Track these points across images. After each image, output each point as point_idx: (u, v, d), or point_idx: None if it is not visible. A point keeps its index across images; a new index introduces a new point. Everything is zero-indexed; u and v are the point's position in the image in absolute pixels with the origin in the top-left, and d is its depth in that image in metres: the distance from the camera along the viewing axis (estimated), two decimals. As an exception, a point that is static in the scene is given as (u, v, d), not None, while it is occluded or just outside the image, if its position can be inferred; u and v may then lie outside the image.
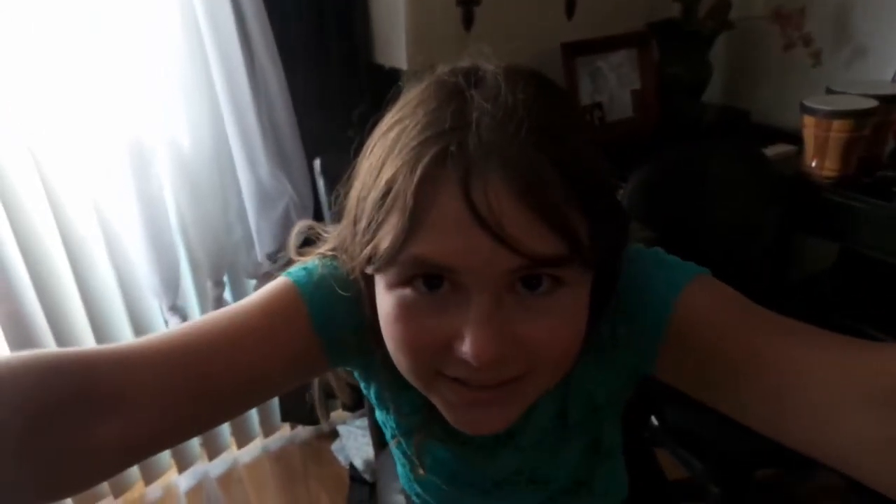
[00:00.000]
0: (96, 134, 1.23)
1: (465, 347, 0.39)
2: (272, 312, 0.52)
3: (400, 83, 0.52)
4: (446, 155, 0.39)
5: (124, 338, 1.49)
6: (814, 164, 1.40)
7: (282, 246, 1.47)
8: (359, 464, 1.64)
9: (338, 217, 0.53)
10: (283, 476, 1.74)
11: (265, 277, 1.51)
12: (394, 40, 1.37)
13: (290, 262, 0.59)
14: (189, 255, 1.46)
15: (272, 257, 1.47)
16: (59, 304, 1.35)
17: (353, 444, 1.70)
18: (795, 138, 1.61)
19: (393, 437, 0.65)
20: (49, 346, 1.39)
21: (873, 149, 1.42)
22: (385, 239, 0.41)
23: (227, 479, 1.75)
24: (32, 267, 1.28)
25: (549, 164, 0.39)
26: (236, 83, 1.27)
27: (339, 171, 1.17)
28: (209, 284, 1.48)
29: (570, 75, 1.60)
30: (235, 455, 1.80)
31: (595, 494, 0.66)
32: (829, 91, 1.45)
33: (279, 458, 1.80)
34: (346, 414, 1.85)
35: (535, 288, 0.41)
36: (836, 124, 1.32)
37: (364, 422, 1.72)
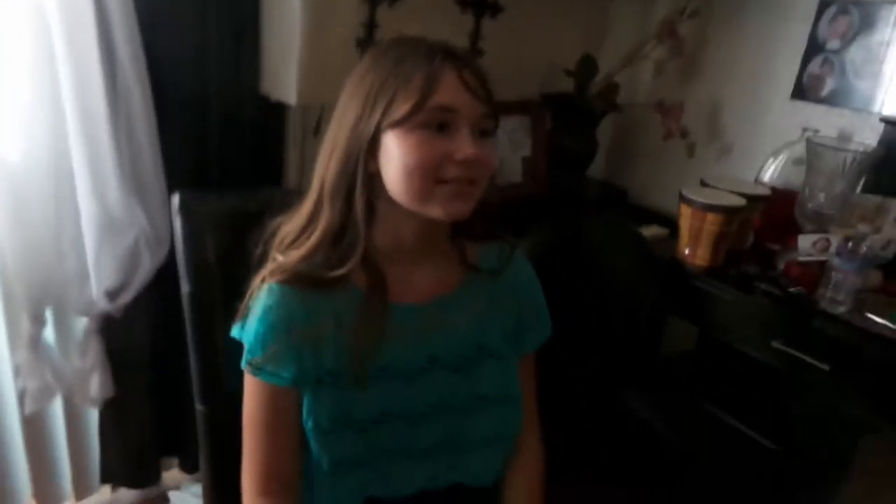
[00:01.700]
0: None
1: (460, 154, 0.69)
2: (275, 414, 0.77)
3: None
4: (440, 54, 0.70)
5: None
6: (687, 251, 1.46)
7: (125, 282, 1.27)
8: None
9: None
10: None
11: (99, 318, 1.30)
12: (284, 74, 1.26)
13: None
14: (3, 283, 1.22)
15: (112, 294, 1.26)
16: None
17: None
18: (667, 221, 1.70)
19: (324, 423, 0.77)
20: None
21: (738, 242, 1.51)
22: (408, 99, 0.68)
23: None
24: None
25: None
26: (89, 92, 1.08)
27: (200, 208, 1.00)
28: (26, 320, 1.23)
29: (466, 134, 1.57)
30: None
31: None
32: (703, 183, 1.53)
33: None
34: (181, 476, 1.62)
35: (482, 136, 0.72)
36: (711, 217, 1.38)
37: (199, 488, 1.51)
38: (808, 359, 1.26)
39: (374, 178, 0.72)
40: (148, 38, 1.16)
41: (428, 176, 0.69)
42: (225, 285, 0.90)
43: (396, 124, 0.69)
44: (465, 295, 0.82)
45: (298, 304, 0.74)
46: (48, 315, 1.27)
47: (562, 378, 1.35)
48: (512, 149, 1.70)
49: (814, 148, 1.43)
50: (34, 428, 1.39)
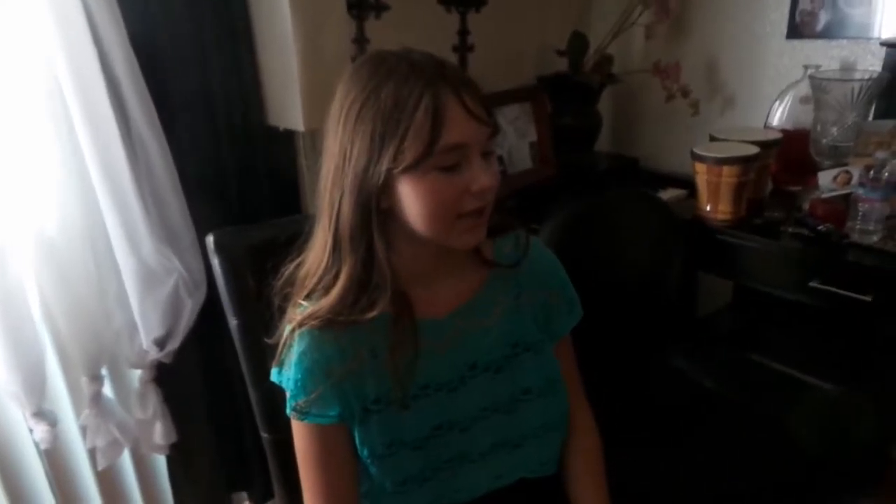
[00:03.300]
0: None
1: (476, 186, 0.70)
2: (328, 452, 0.79)
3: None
4: (438, 82, 0.67)
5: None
6: (708, 208, 1.46)
7: (171, 329, 1.31)
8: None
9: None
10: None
11: (152, 367, 1.34)
12: (288, 102, 1.29)
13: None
14: (58, 349, 1.26)
15: (160, 342, 1.30)
16: None
17: None
18: (684, 183, 1.70)
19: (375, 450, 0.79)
20: None
21: (758, 191, 1.51)
22: (417, 141, 0.67)
23: None
24: None
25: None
26: (110, 154, 1.12)
27: (234, 244, 1.03)
28: (84, 380, 1.28)
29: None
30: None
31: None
32: (713, 138, 1.53)
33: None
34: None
35: (485, 157, 0.72)
36: (726, 170, 1.39)
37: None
38: (848, 293, 1.26)
39: (388, 215, 0.72)
40: (154, 87, 1.19)
41: (448, 215, 0.71)
42: (266, 314, 0.93)
43: (409, 169, 0.68)
44: (491, 293, 0.83)
45: (332, 345, 0.75)
46: (104, 372, 1.32)
47: (603, 354, 1.37)
48: (518, 137, 1.72)
49: (819, 83, 1.43)
50: (108, 482, 1.44)
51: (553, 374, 0.86)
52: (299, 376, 0.75)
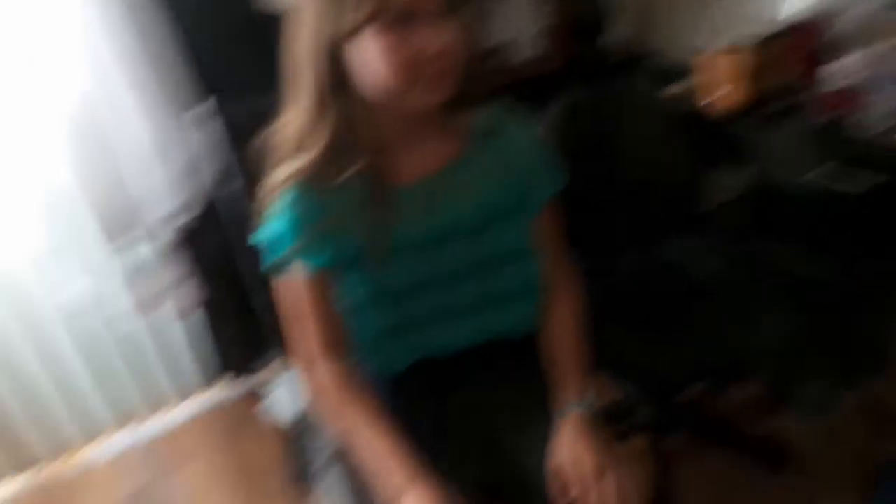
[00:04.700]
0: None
1: (430, 49, 0.71)
2: (315, 301, 0.83)
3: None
4: None
5: (37, 297, 1.52)
6: (717, 98, 1.44)
7: (189, 200, 1.48)
8: (289, 418, 1.66)
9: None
10: (220, 432, 1.77)
11: (177, 233, 1.51)
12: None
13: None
14: (98, 215, 1.47)
15: (180, 212, 1.49)
16: None
17: (285, 395, 1.72)
18: (694, 73, 1.66)
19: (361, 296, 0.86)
20: None
21: (768, 81, 1.47)
22: (361, 4, 0.69)
23: (167, 437, 1.77)
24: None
25: None
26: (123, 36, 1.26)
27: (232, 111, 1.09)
28: (121, 242, 1.50)
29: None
30: (173, 413, 1.83)
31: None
32: (722, 28, 1.49)
33: (217, 414, 1.83)
34: (277, 367, 1.88)
35: (449, 15, 0.72)
36: (736, 59, 1.36)
37: (291, 375, 1.74)
38: (858, 183, 1.25)
39: (351, 79, 0.74)
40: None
41: (406, 77, 0.72)
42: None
43: (364, 25, 0.70)
44: (469, 162, 0.85)
45: (315, 200, 0.80)
46: (141, 235, 1.53)
47: (597, 243, 1.41)
48: (524, 24, 1.71)
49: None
50: (157, 332, 1.70)
51: (527, 242, 0.89)
52: (289, 225, 0.80)
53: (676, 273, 1.53)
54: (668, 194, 1.51)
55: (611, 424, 0.84)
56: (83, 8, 1.25)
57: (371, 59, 0.72)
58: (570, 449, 0.80)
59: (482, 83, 0.84)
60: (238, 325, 1.73)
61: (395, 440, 0.78)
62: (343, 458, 0.92)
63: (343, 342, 0.86)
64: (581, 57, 1.79)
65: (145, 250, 1.56)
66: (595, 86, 1.50)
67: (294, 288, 0.83)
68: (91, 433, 1.72)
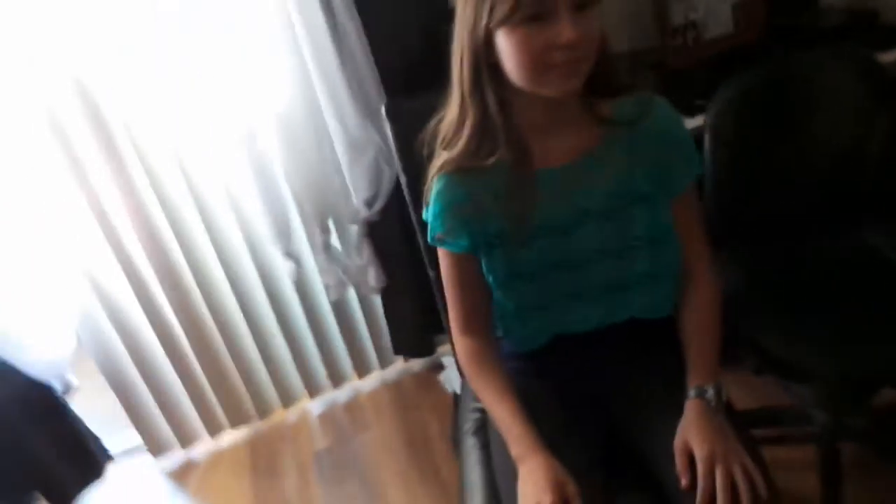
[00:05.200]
0: (214, 123, 1.47)
1: (561, 39, 0.74)
2: (462, 275, 0.94)
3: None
4: None
5: (251, 279, 1.73)
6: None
7: (376, 192, 1.59)
8: (458, 387, 1.75)
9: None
10: (398, 403, 1.92)
11: (364, 223, 1.65)
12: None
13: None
14: (297, 206, 1.63)
15: (369, 203, 1.59)
16: (199, 258, 1.64)
17: (456, 373, 1.81)
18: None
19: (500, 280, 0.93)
20: (189, 288, 1.68)
21: None
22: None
23: (351, 405, 1.96)
24: (178, 233, 1.60)
25: None
26: (319, 44, 1.38)
27: (401, 111, 1.18)
28: (317, 231, 1.64)
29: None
30: (357, 385, 2.01)
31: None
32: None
33: (395, 387, 1.99)
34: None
35: (582, 9, 0.75)
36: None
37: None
38: None
39: (497, 70, 0.81)
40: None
41: (537, 66, 0.77)
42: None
43: (501, 23, 0.76)
44: (608, 150, 0.88)
45: (461, 187, 0.88)
46: (331, 226, 1.67)
47: (785, 227, 1.28)
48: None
49: None
50: (343, 315, 1.85)
51: (664, 225, 0.90)
52: (436, 212, 0.91)
53: (879, 260, 1.34)
54: (871, 173, 1.33)
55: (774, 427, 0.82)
56: (288, 14, 1.38)
57: (509, 52, 0.78)
58: (697, 429, 0.81)
59: (622, 74, 0.88)
60: (414, 311, 1.83)
61: (519, 414, 0.87)
62: (483, 423, 1.04)
63: (480, 320, 0.96)
64: (784, 26, 1.61)
65: (335, 239, 1.70)
66: (783, 57, 1.34)
67: (446, 262, 0.95)
68: (288, 400, 1.93)
